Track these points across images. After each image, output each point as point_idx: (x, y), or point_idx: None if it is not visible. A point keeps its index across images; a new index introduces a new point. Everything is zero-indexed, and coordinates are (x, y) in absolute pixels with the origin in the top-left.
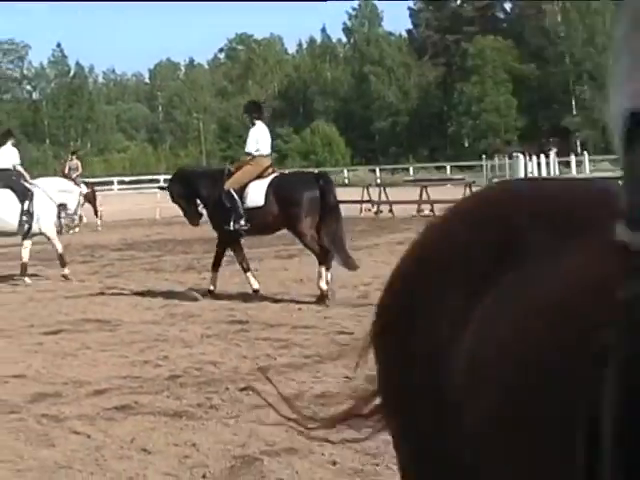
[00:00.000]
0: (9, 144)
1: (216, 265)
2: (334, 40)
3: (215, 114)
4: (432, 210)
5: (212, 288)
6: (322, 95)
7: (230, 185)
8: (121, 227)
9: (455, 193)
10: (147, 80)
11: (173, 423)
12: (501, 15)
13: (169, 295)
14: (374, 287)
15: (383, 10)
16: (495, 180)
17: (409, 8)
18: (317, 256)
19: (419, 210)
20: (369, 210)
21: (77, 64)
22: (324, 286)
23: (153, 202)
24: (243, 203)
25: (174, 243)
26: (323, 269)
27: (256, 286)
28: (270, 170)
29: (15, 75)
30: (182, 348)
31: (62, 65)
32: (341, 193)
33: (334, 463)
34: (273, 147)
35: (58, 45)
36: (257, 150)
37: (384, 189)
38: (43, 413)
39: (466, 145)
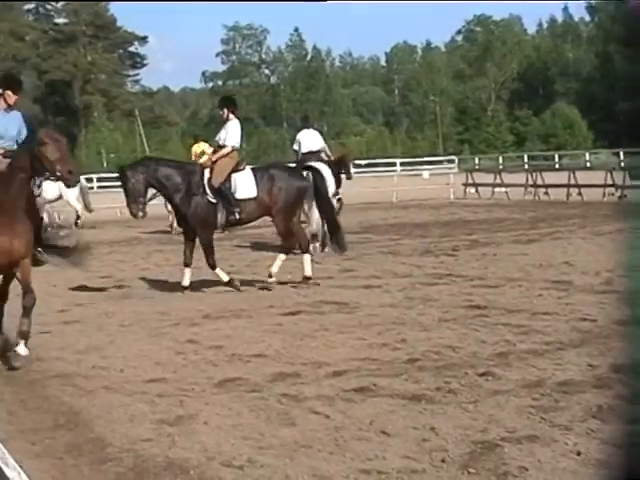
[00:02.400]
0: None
1: (214, 263)
2: (576, 19)
3: (452, 97)
4: None
5: (186, 284)
6: (563, 76)
7: (216, 180)
8: (358, 210)
9: None
10: (384, 63)
11: (412, 406)
12: None
13: (407, 278)
14: (617, 274)
15: None
16: None
17: None
18: (286, 243)
19: None
20: (612, 195)
21: (314, 48)
22: (275, 270)
23: (390, 185)
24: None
25: (411, 227)
26: (282, 255)
27: (186, 283)
28: (244, 163)
29: (254, 60)
30: (420, 331)
31: (299, 49)
32: (583, 177)
33: (578, 453)
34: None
35: (296, 29)
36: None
37: (629, 173)
38: (283, 392)
39: None
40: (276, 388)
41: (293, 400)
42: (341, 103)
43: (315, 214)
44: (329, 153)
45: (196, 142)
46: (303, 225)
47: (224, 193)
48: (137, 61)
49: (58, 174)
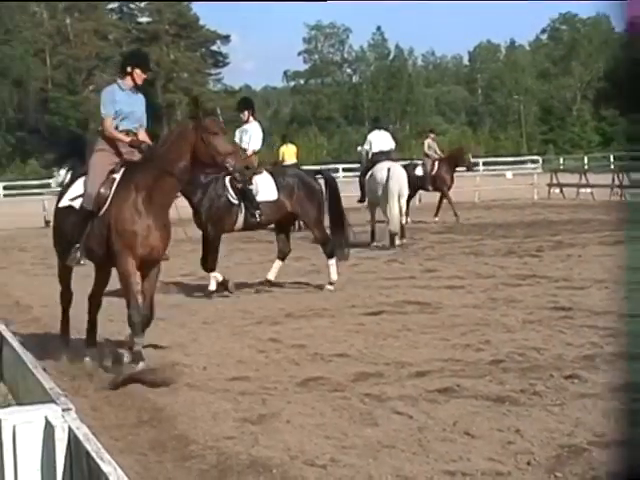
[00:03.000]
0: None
1: (214, 265)
2: None
3: (536, 96)
4: None
5: (214, 286)
6: None
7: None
8: (440, 210)
9: None
10: (466, 62)
11: (496, 408)
12: None
13: (490, 279)
14: None
15: None
16: None
17: None
18: (323, 246)
19: None
20: None
21: (397, 47)
22: (334, 276)
23: (472, 185)
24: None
25: (494, 227)
26: (333, 260)
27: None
28: (262, 167)
29: (336, 59)
30: (504, 333)
31: (382, 48)
32: None
33: None
34: None
35: (378, 28)
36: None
37: None
38: (366, 392)
39: None
40: (359, 388)
41: (376, 400)
42: (423, 102)
43: (395, 213)
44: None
45: (284, 143)
46: (382, 225)
47: (247, 194)
48: (219, 60)
49: (229, 169)
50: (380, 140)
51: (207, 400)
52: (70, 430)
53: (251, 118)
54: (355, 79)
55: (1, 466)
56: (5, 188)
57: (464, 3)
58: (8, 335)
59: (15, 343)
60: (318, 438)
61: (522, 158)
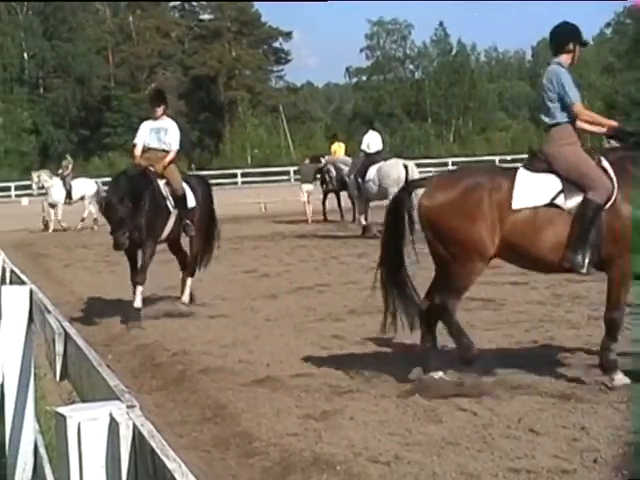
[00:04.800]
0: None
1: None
2: None
3: (600, 91)
4: None
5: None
6: None
7: (178, 186)
8: None
9: None
10: (529, 57)
11: (561, 405)
12: None
13: (554, 275)
14: None
15: None
16: None
17: None
18: (193, 260)
19: None
20: None
21: (459, 43)
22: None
23: None
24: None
25: None
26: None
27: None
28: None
29: (398, 55)
30: (568, 329)
31: (444, 44)
32: None
33: None
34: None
35: (440, 24)
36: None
37: None
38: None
39: None
40: (423, 384)
41: (440, 397)
42: (486, 98)
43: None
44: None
45: (335, 140)
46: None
47: (184, 202)
48: (281, 57)
49: None
50: (376, 141)
51: (270, 397)
52: (135, 427)
53: (164, 115)
54: (417, 75)
55: (66, 463)
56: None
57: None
58: (72, 332)
59: (80, 340)
60: (382, 435)
61: None
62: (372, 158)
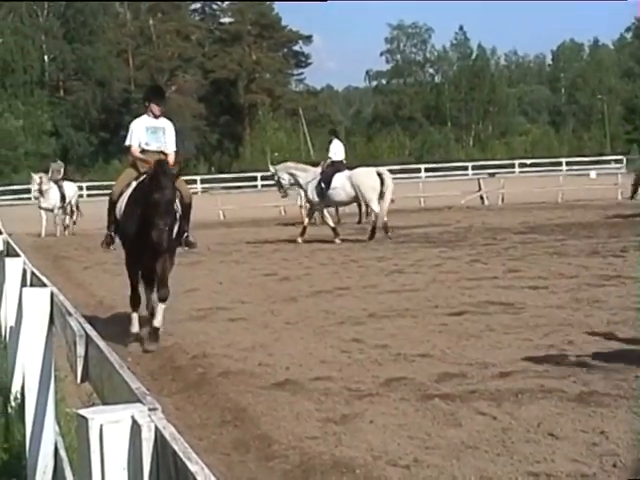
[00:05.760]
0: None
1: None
2: None
3: (620, 95)
4: None
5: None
6: None
7: None
8: (523, 210)
9: None
10: (550, 61)
11: (580, 409)
12: None
13: (573, 279)
14: None
15: None
16: None
17: None
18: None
19: None
20: None
21: (479, 47)
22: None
23: (555, 185)
24: None
25: (577, 227)
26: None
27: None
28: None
29: (418, 58)
30: (587, 334)
31: (464, 48)
32: None
33: None
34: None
35: (460, 28)
36: None
37: None
38: (449, 393)
39: None
40: (442, 388)
41: (459, 400)
42: (506, 102)
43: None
44: None
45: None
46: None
47: (189, 210)
48: (301, 60)
49: None
50: (340, 150)
51: (290, 400)
52: (157, 429)
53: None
54: (437, 79)
55: (88, 465)
56: (88, 188)
57: (547, 2)
58: (94, 334)
59: (101, 342)
60: (401, 438)
61: (605, 158)
62: (337, 166)
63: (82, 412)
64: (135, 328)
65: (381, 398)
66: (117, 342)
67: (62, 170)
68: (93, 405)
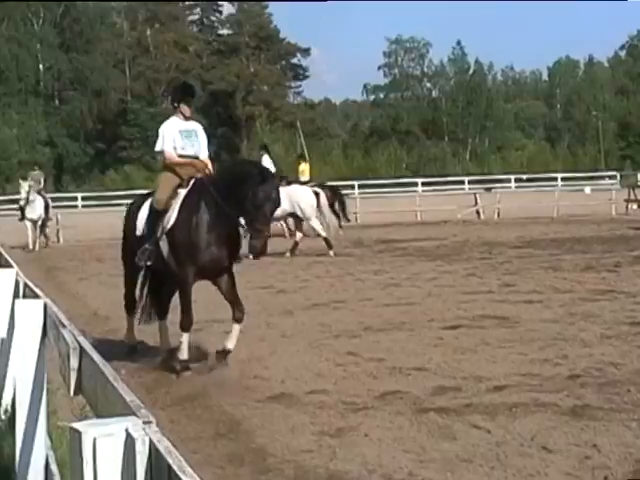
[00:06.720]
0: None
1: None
2: None
3: (614, 112)
4: None
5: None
6: None
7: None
8: (519, 225)
9: None
10: (546, 78)
11: (574, 423)
12: None
13: (568, 294)
14: None
15: None
16: None
17: None
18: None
19: None
20: None
21: (476, 62)
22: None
23: (551, 200)
24: None
25: (572, 242)
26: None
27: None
28: None
29: (415, 73)
30: (581, 348)
31: (461, 63)
32: None
33: None
34: None
35: (458, 43)
36: None
37: None
38: (444, 406)
39: None
40: (437, 402)
41: (454, 414)
42: (502, 117)
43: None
44: None
45: (301, 161)
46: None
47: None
48: (299, 73)
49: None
50: (270, 166)
51: (285, 413)
52: (151, 443)
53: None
54: (434, 93)
55: (81, 479)
56: (84, 199)
57: (544, 19)
58: (87, 346)
59: (95, 355)
60: (396, 452)
61: (600, 174)
62: None
63: (75, 425)
64: (186, 354)
65: (376, 411)
66: (112, 355)
67: (42, 180)
68: (86, 418)
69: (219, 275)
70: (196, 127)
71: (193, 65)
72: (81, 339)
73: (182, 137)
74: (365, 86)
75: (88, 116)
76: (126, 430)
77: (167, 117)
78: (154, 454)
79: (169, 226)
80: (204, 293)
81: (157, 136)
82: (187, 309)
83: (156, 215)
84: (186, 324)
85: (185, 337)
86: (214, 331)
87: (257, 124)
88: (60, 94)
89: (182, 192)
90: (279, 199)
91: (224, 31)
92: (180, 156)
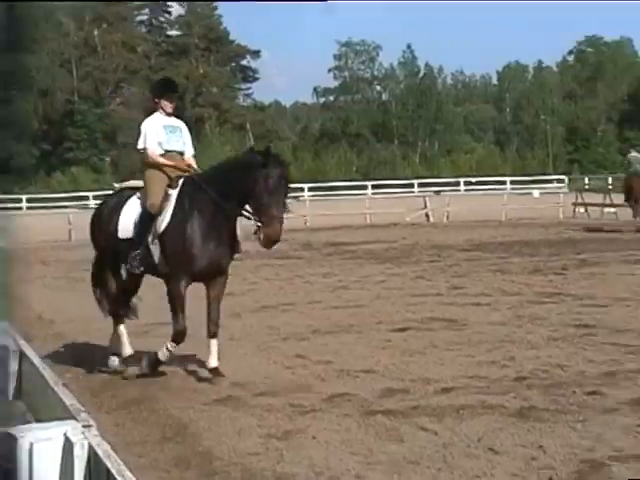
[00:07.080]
0: None
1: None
2: None
3: (562, 117)
4: None
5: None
6: None
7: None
8: (467, 228)
9: None
10: (495, 82)
11: (520, 424)
12: None
13: (515, 297)
14: None
15: None
16: None
17: None
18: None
19: None
20: None
21: (426, 65)
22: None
23: (499, 204)
24: None
25: (520, 245)
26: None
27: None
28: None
29: (365, 76)
30: (528, 350)
31: (412, 66)
32: None
33: None
34: None
35: (408, 46)
36: None
37: None
38: (391, 409)
39: None
40: (385, 404)
41: (401, 416)
42: (452, 121)
43: None
44: None
45: None
46: None
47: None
48: (249, 75)
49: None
50: None
51: (232, 416)
52: (90, 447)
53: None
54: (385, 96)
55: None
56: (29, 201)
57: (493, 24)
58: (27, 350)
59: (35, 358)
60: (344, 454)
61: (548, 177)
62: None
63: (11, 430)
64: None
65: (324, 414)
66: (56, 359)
67: None
68: (27, 423)
69: (215, 277)
70: (180, 124)
71: (141, 66)
72: (21, 342)
73: (166, 132)
74: (315, 89)
75: (34, 116)
76: (65, 434)
77: (114, 118)
78: (93, 458)
79: (161, 230)
80: (152, 295)
81: (105, 137)
82: (177, 317)
83: (149, 218)
84: (177, 336)
85: (170, 345)
86: (160, 333)
87: (206, 126)
88: (4, 94)
89: (173, 193)
90: (289, 181)
91: (173, 32)
92: (166, 150)
